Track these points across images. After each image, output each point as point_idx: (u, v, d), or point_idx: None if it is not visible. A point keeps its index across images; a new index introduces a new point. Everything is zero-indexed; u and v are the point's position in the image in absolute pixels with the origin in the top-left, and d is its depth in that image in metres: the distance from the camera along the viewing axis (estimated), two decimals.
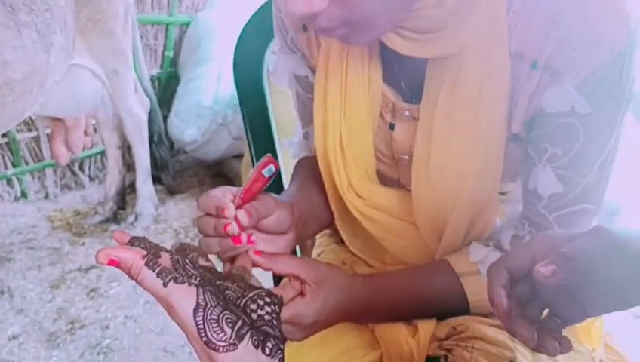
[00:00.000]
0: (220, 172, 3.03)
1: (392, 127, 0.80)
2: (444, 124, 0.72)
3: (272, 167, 0.70)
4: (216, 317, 0.51)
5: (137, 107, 2.54)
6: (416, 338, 0.80)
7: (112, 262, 0.53)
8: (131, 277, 0.53)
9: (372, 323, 0.83)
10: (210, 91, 2.75)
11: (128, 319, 2.00)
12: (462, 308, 0.78)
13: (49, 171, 2.82)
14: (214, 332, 0.51)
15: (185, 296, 0.52)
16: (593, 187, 0.71)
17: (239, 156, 2.81)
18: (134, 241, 0.58)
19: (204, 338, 0.50)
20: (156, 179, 2.76)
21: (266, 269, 0.69)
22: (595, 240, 0.51)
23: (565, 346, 0.55)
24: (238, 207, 0.67)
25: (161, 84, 3.20)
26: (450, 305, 0.78)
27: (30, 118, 2.62)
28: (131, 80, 2.48)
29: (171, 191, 2.89)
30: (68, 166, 2.84)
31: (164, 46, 3.18)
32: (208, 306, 0.52)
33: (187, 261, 0.56)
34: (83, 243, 2.45)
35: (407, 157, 0.80)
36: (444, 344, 0.78)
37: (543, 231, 0.73)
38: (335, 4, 0.60)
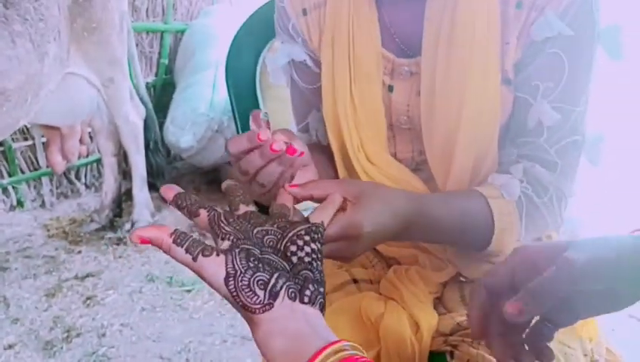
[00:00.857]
0: (216, 178, 3.03)
1: (390, 88, 0.84)
2: (444, 69, 0.78)
3: None
4: (247, 282, 0.52)
5: (133, 115, 2.55)
6: (419, 337, 0.81)
7: (143, 241, 0.54)
8: (165, 253, 0.55)
9: (416, 241, 0.86)
10: (205, 98, 2.75)
11: (125, 327, 2.00)
12: (488, 231, 0.78)
13: (45, 180, 2.83)
14: (247, 297, 0.51)
15: (214, 267, 0.52)
16: (581, 117, 0.79)
17: None
18: (178, 198, 0.59)
19: (240, 303, 0.52)
20: (152, 186, 2.77)
21: (304, 198, 0.68)
22: (561, 271, 0.53)
23: (547, 357, 0.55)
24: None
25: (157, 92, 3.21)
26: (479, 227, 0.78)
27: (26, 126, 2.63)
28: (127, 88, 2.49)
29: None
30: (64, 174, 2.84)
31: (160, 53, 3.19)
32: (238, 273, 0.52)
33: (223, 217, 0.57)
34: (79, 252, 2.45)
35: (405, 117, 0.84)
36: (450, 339, 0.80)
37: (523, 247, 0.74)
38: None
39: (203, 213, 0.58)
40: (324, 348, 0.48)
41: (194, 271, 0.54)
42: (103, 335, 1.95)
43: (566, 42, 0.75)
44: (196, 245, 0.53)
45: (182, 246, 0.53)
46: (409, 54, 0.83)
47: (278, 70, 0.94)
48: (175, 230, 0.55)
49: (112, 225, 2.63)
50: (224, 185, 0.65)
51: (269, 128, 0.65)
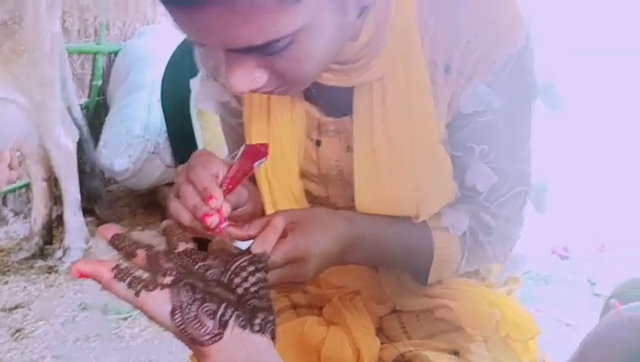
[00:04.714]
0: (153, 201, 2.97)
1: (318, 143, 0.81)
2: (380, 132, 0.74)
3: (263, 159, 0.68)
4: (194, 314, 0.51)
5: (65, 138, 2.48)
6: None
7: (82, 275, 0.53)
8: (105, 289, 0.53)
9: (361, 264, 0.84)
10: (140, 119, 2.71)
11: (57, 359, 1.91)
12: (428, 261, 0.79)
13: None
14: (196, 328, 0.50)
15: (159, 302, 0.51)
16: (522, 171, 0.78)
17: (172, 184, 2.76)
18: (116, 239, 0.59)
19: (188, 336, 0.51)
20: (86, 211, 2.68)
21: (244, 239, 0.66)
22: None
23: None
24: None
25: (90, 113, 3.13)
26: (421, 256, 0.79)
27: None
28: (58, 111, 2.43)
29: (103, 223, 2.79)
30: None
31: (92, 75, 3.11)
32: (185, 304, 0.51)
33: (162, 255, 0.56)
34: (6, 282, 2.34)
35: (334, 172, 0.82)
36: None
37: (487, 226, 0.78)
38: (274, 75, 0.62)
39: (141, 252, 0.57)
40: None
41: (137, 306, 0.52)
42: None
43: (498, 111, 0.72)
44: (138, 280, 0.52)
45: (123, 282, 0.52)
46: (334, 115, 0.79)
47: (203, 100, 0.90)
48: (117, 264, 0.53)
49: (42, 253, 2.53)
50: (162, 225, 0.65)
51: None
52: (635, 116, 3.75)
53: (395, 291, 0.87)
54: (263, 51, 0.58)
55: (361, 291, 0.89)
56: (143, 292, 0.52)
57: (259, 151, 0.69)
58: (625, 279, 0.88)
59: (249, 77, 0.61)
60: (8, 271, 2.42)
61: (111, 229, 0.60)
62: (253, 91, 0.64)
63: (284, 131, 0.80)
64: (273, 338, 0.53)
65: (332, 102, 0.78)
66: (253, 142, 0.78)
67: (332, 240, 0.69)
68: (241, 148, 0.70)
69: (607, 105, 3.87)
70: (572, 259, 2.58)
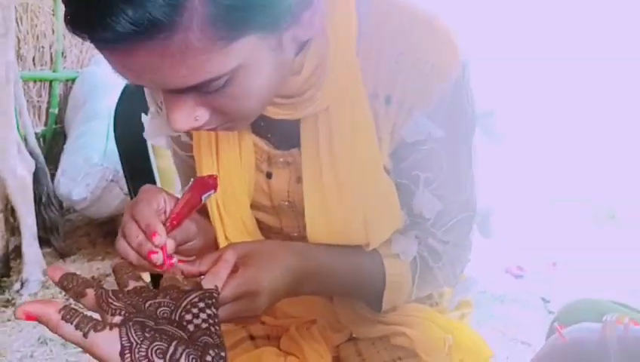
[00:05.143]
0: (112, 230, 2.93)
1: (269, 175, 0.82)
2: (327, 163, 0.76)
3: (212, 192, 0.68)
4: (144, 353, 0.50)
5: (21, 168, 2.43)
6: None
7: (29, 318, 0.51)
8: (52, 331, 0.52)
9: (313, 294, 0.84)
10: (98, 148, 2.67)
11: None
12: (379, 288, 0.81)
13: None
14: None
15: (108, 342, 0.50)
16: (466, 197, 0.81)
17: None
18: (64, 279, 0.58)
19: None
20: (44, 241, 2.63)
21: (195, 275, 0.67)
22: None
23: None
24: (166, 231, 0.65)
25: (47, 142, 3.08)
26: (372, 283, 0.81)
27: None
28: (14, 141, 2.38)
29: (61, 254, 2.75)
30: None
31: (49, 103, 3.07)
32: (134, 344, 0.50)
33: (111, 294, 0.55)
34: None
35: (286, 203, 0.83)
36: None
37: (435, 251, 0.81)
38: (215, 113, 0.63)
39: (90, 292, 0.56)
40: None
41: (85, 348, 0.52)
42: None
43: (439, 140, 0.74)
44: (87, 321, 0.51)
45: (71, 323, 0.51)
46: (283, 148, 0.81)
47: (155, 135, 0.90)
48: (64, 306, 0.52)
49: None
50: (112, 263, 0.64)
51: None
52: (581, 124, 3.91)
53: (350, 319, 0.89)
54: (201, 90, 0.59)
55: (317, 320, 0.90)
56: (92, 333, 0.51)
57: (207, 184, 0.69)
58: (572, 299, 0.89)
59: (190, 116, 0.61)
60: None
61: (59, 270, 0.59)
62: (196, 129, 0.64)
63: (233, 164, 0.80)
64: None
65: (281, 134, 0.79)
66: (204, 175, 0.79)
67: (283, 273, 0.70)
68: (191, 182, 0.70)
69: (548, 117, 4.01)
70: (525, 278, 2.65)
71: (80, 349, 1.82)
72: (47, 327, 0.53)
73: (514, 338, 2.15)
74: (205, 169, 0.81)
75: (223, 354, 0.53)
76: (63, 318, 0.52)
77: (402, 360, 0.86)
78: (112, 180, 2.64)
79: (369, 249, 0.79)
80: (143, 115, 0.91)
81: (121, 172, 2.62)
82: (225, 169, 0.80)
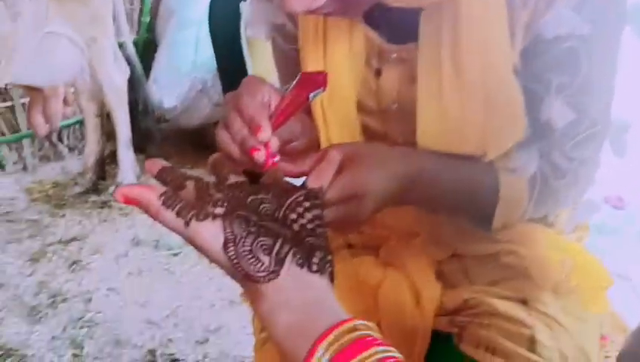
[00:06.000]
0: (201, 140, 2.98)
1: (378, 73, 0.75)
2: (449, 61, 0.68)
3: (320, 90, 0.62)
4: (249, 248, 0.48)
5: (117, 75, 2.48)
6: (420, 308, 0.77)
7: (128, 201, 0.50)
8: (153, 218, 0.50)
9: (419, 205, 0.77)
10: (188, 57, 2.70)
11: (111, 291, 1.97)
12: (491, 204, 0.74)
13: (26, 142, 2.75)
14: (251, 264, 0.47)
15: (210, 233, 0.48)
16: (603, 108, 0.71)
17: None
18: (163, 171, 0.55)
19: (242, 272, 0.47)
20: (137, 148, 2.71)
21: (297, 175, 0.62)
22: None
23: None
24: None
25: (138, 51, 3.12)
26: (485, 197, 0.74)
27: (5, 87, 2.54)
28: (110, 48, 2.42)
29: None
30: (46, 136, 2.77)
31: (141, 11, 3.09)
32: (239, 237, 0.48)
33: (213, 186, 0.53)
34: (63, 215, 2.40)
35: (395, 105, 0.76)
36: (457, 320, 0.76)
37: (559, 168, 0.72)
38: None
39: (189, 184, 0.53)
40: (335, 327, 0.44)
41: (186, 237, 0.49)
42: (89, 300, 1.93)
43: (583, 38, 0.65)
44: (189, 208, 0.49)
45: (172, 210, 0.49)
46: (396, 42, 0.73)
47: (255, 23, 0.84)
48: (165, 190, 0.50)
49: (96, 188, 2.58)
50: (210, 159, 0.60)
51: None
52: None
53: (456, 235, 0.82)
54: None
55: (419, 233, 0.84)
56: (194, 222, 0.48)
57: (316, 81, 0.62)
58: None
59: None
60: (64, 205, 2.48)
61: (157, 163, 0.56)
62: (312, 11, 0.58)
63: (341, 57, 0.74)
64: (332, 280, 0.50)
65: (396, 26, 0.72)
66: (309, 70, 0.73)
67: (391, 177, 0.64)
68: (297, 77, 0.64)
69: None
70: (626, 209, 2.50)
71: (170, 251, 1.88)
72: (147, 213, 0.50)
73: (612, 271, 2.05)
74: (311, 63, 0.75)
75: (329, 257, 0.50)
76: (163, 204, 0.49)
77: (512, 280, 0.79)
78: (200, 90, 2.67)
79: (485, 160, 0.72)
80: (241, 3, 0.85)
81: (210, 82, 2.66)
82: (333, 62, 0.74)
